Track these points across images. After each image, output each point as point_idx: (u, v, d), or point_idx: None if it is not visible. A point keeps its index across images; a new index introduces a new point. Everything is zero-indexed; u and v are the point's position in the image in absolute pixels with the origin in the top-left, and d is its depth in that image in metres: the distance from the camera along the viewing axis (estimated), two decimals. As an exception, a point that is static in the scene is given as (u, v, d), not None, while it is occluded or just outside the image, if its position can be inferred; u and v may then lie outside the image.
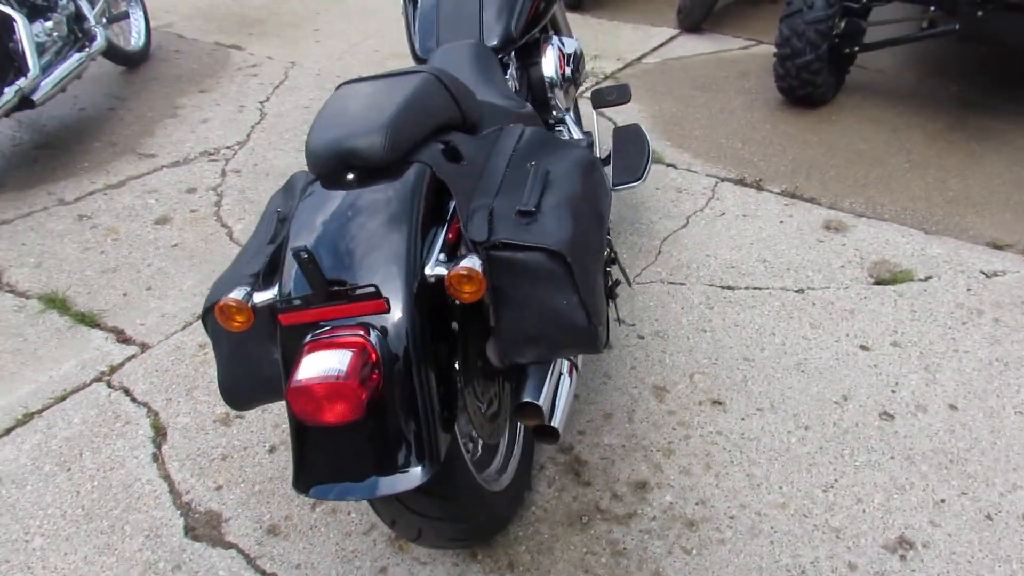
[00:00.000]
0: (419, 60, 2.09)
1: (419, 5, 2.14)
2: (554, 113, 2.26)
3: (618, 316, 2.01)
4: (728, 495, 1.80)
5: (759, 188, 3.01)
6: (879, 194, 2.93)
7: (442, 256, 1.30)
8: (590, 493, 1.83)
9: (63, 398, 2.17)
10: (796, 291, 2.44)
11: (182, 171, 3.32)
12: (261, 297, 1.26)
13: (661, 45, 4.46)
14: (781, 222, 2.80)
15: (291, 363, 1.16)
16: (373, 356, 1.18)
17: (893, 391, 2.06)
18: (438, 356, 1.28)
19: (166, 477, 1.92)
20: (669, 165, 3.19)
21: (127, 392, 2.19)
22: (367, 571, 1.67)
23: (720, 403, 2.05)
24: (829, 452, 1.90)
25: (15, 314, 2.53)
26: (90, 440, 2.04)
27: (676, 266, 2.58)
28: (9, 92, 3.07)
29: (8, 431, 2.08)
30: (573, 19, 4.74)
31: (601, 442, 1.95)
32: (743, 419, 2.00)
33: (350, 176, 1.33)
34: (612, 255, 1.59)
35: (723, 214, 2.85)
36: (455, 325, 1.39)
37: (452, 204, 1.39)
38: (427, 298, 1.25)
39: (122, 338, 2.40)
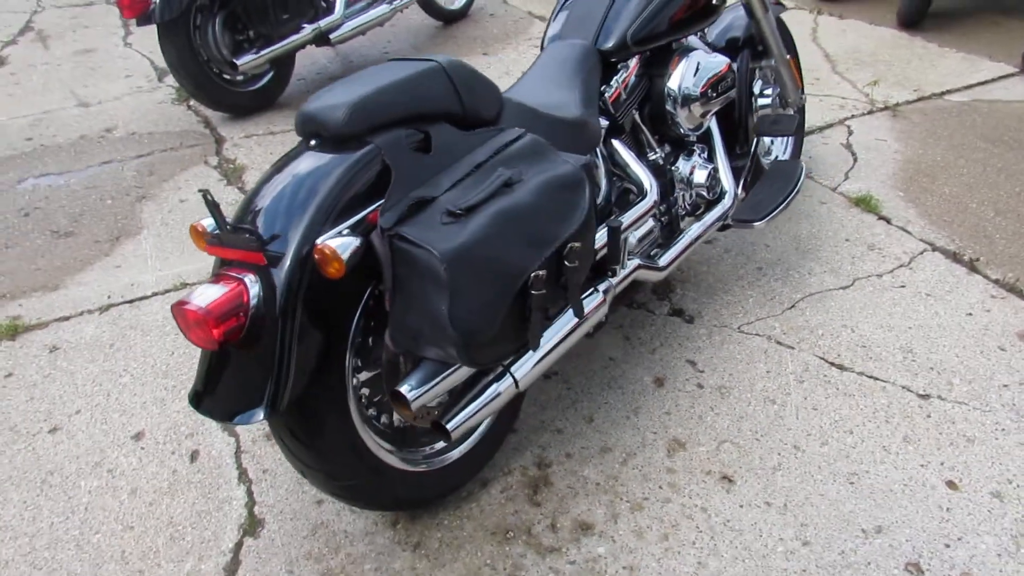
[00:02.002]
0: (545, 53, 2.12)
1: None
2: (676, 130, 2.12)
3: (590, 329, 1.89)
4: (663, 575, 1.65)
5: (972, 269, 2.49)
6: None
7: (346, 232, 1.38)
8: (532, 514, 1.79)
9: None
10: (919, 396, 2.03)
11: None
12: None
13: (983, 83, 3.78)
14: (969, 314, 2.30)
15: None
16: (244, 299, 1.33)
17: (947, 545, 1.66)
18: (320, 318, 1.39)
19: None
20: (881, 218, 2.77)
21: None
22: (308, 500, 1.85)
23: (730, 481, 1.84)
24: (810, 579, 1.62)
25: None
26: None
27: (798, 327, 2.28)
28: (309, 28, 3.68)
29: (174, 293, 2.61)
30: (898, 38, 4.24)
31: (579, 472, 1.88)
32: (741, 507, 1.77)
33: (312, 142, 1.48)
34: (564, 280, 1.51)
35: (903, 286, 2.43)
36: (371, 301, 1.48)
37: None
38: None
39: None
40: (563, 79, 1.90)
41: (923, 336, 2.23)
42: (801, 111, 2.95)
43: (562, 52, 1.97)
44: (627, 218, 1.88)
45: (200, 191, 1.35)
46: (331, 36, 3.78)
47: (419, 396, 1.47)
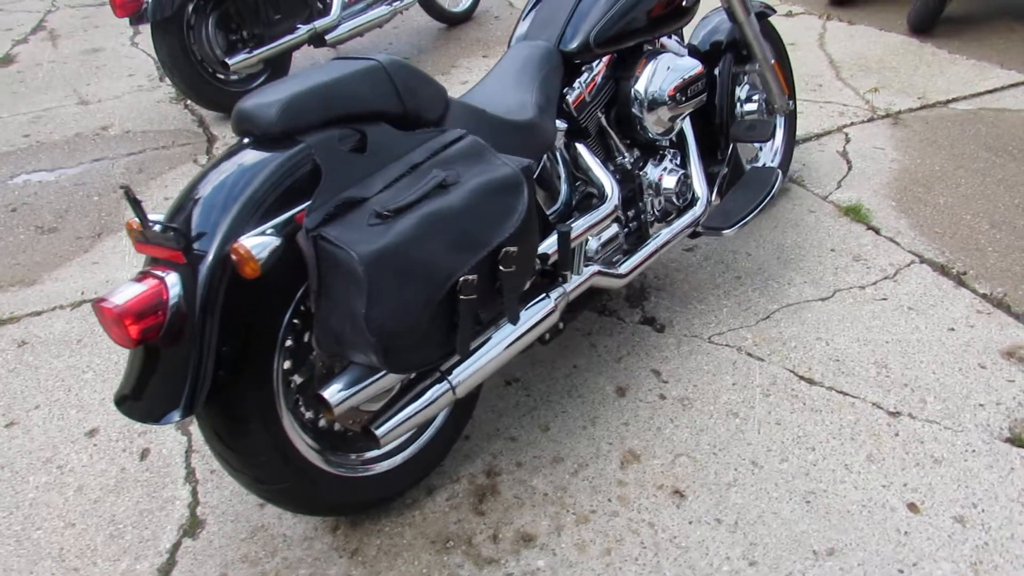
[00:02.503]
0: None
1: None
2: (644, 134, 2.07)
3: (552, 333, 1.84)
4: (601, 590, 1.59)
5: (959, 283, 2.40)
6: (1121, 336, 2.15)
7: (270, 231, 1.35)
8: (475, 523, 1.75)
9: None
10: (889, 413, 1.95)
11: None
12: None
13: (992, 91, 3.67)
14: (951, 329, 2.22)
15: None
16: (163, 297, 1.31)
17: (901, 571, 1.59)
18: (244, 318, 1.36)
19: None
20: (870, 228, 2.69)
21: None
22: (252, 503, 1.83)
23: (682, 496, 1.78)
24: (752, 601, 1.55)
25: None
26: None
27: (770, 339, 2.22)
28: (303, 29, 3.68)
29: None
30: (907, 44, 4.15)
31: (528, 482, 1.84)
32: (690, 523, 1.71)
33: (245, 140, 1.45)
34: (498, 286, 1.46)
35: (884, 299, 2.35)
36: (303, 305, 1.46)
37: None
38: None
39: None
40: (521, 81, 1.86)
41: (900, 351, 2.15)
42: (792, 117, 2.89)
43: (523, 53, 1.93)
44: (583, 223, 1.83)
45: (122, 187, 1.34)
46: (327, 37, 3.78)
47: (343, 400, 1.44)
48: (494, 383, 2.12)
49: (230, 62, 3.43)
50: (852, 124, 3.43)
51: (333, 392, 1.43)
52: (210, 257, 1.32)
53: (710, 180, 2.29)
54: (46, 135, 3.66)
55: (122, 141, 3.58)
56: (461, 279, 1.37)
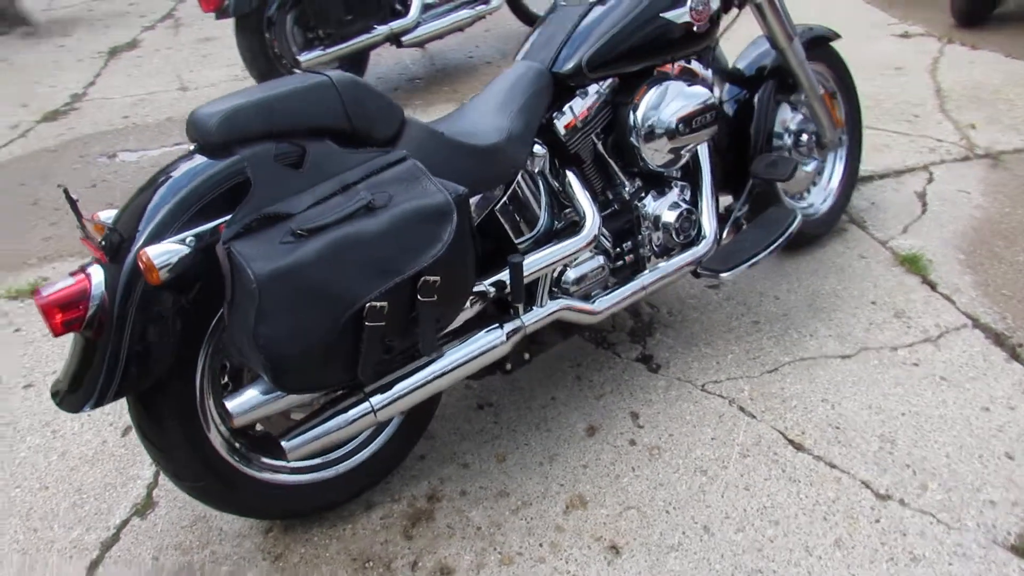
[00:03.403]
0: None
1: (543, 16, 2.06)
2: (643, 165, 1.96)
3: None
4: (502, 639, 1.53)
5: (1012, 356, 2.13)
6: None
7: (190, 240, 1.38)
8: (400, 548, 1.71)
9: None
10: (878, 495, 1.76)
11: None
12: None
13: (1122, 137, 3.23)
14: (985, 409, 1.97)
15: None
16: (87, 291, 1.37)
17: (830, 677, 1.43)
18: (164, 320, 1.40)
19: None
20: (926, 282, 2.44)
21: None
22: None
23: (617, 552, 1.67)
24: None
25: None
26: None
27: (769, 394, 2.05)
28: (381, 30, 3.76)
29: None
30: (984, 57, 3.73)
31: (466, 512, 1.79)
32: (616, 582, 1.62)
33: (191, 146, 1.50)
34: (415, 314, 1.41)
35: (916, 364, 2.12)
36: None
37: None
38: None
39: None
40: (503, 103, 1.80)
41: (914, 426, 1.93)
42: (853, 153, 2.66)
43: (514, 74, 1.87)
44: (546, 255, 1.76)
45: (60, 186, 1.41)
46: (403, 39, 3.84)
47: (245, 412, 1.45)
48: (466, 405, 2.09)
49: (301, 59, 3.55)
50: (942, 162, 3.12)
51: (238, 402, 1.45)
52: (128, 259, 1.36)
53: (725, 217, 2.15)
54: (142, 117, 3.93)
55: (205, 127, 3.80)
56: (368, 305, 1.34)
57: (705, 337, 2.27)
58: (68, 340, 1.47)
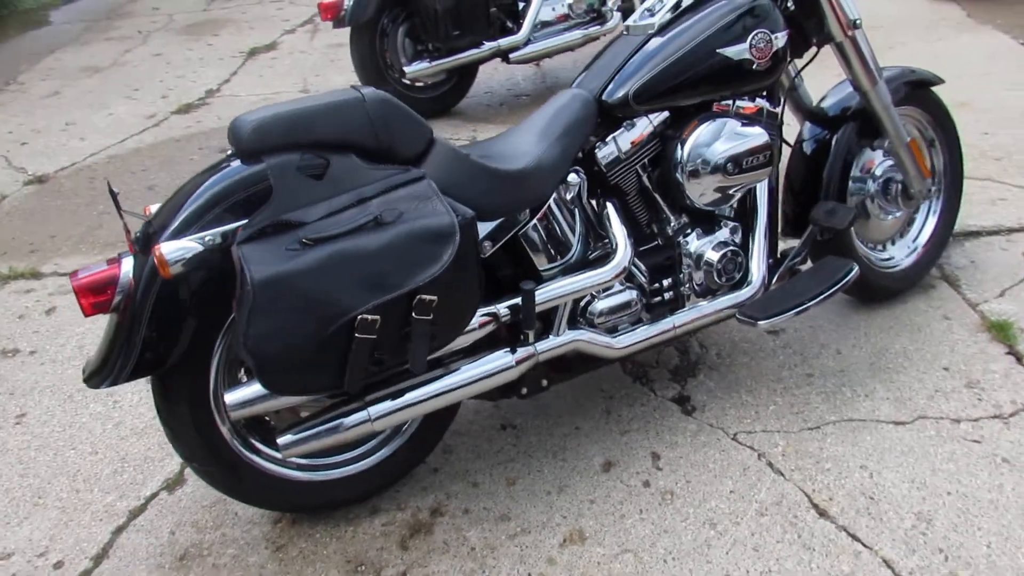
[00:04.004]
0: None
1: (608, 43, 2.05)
2: (688, 203, 1.91)
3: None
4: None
5: (1092, 446, 1.91)
6: None
7: (209, 239, 1.48)
8: (394, 556, 1.74)
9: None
10: (898, 578, 1.63)
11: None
12: None
13: None
14: (1046, 501, 1.78)
15: None
16: (116, 278, 1.49)
17: None
18: (181, 311, 1.51)
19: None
20: (1012, 352, 2.22)
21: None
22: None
23: (604, 595, 1.63)
24: None
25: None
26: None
27: (806, 453, 1.92)
28: (490, 46, 3.83)
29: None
30: None
31: (464, 531, 1.78)
32: (595, 626, 1.58)
33: (229, 151, 1.60)
34: (408, 331, 1.43)
35: (977, 441, 1.93)
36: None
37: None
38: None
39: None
40: (544, 129, 1.81)
41: (959, 508, 1.77)
42: (949, 207, 2.47)
43: (561, 101, 1.87)
44: (565, 285, 1.75)
45: (107, 180, 1.55)
46: (511, 56, 3.90)
47: (240, 405, 1.52)
48: (489, 424, 2.10)
49: (407, 70, 3.68)
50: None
51: (235, 395, 1.53)
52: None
53: (778, 263, 2.05)
54: (262, 115, 4.19)
55: (315, 129, 4.01)
56: (359, 317, 1.39)
57: (750, 384, 2.17)
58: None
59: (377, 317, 1.40)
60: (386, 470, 1.84)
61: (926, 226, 2.48)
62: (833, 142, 2.18)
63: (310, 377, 1.42)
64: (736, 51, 1.84)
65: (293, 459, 1.75)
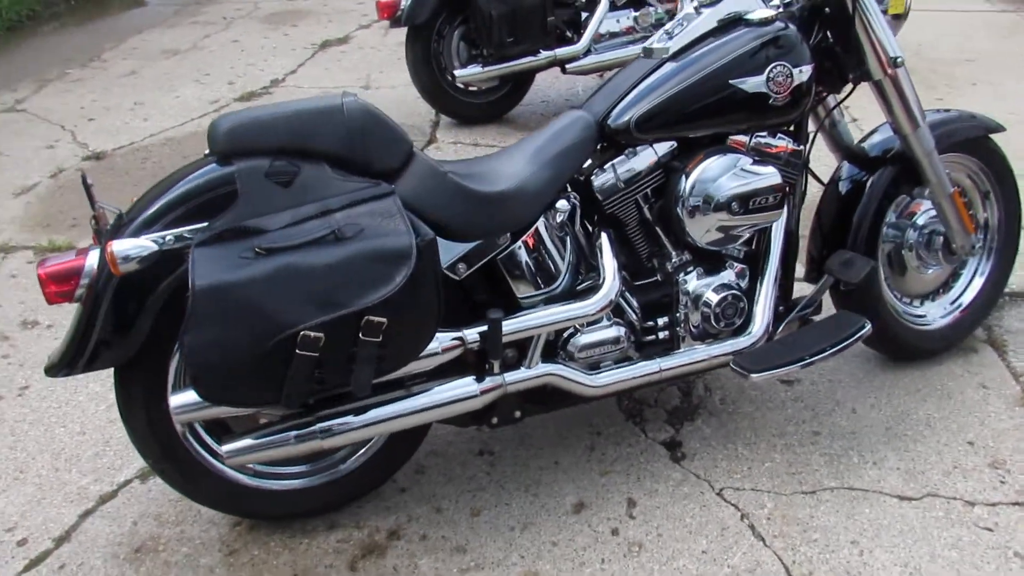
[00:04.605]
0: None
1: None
2: (690, 240, 1.79)
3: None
4: None
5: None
6: None
7: (169, 238, 1.46)
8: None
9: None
10: (867, 673, 1.48)
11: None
12: None
13: None
14: (1056, 608, 1.60)
15: None
16: (81, 266, 1.50)
17: None
18: (138, 307, 1.50)
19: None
20: (1051, 434, 2.02)
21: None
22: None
23: (544, 647, 1.55)
24: None
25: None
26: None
27: (793, 519, 1.78)
28: (545, 54, 3.75)
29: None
30: None
31: (417, 558, 1.72)
32: None
33: (207, 152, 1.59)
34: (354, 352, 1.37)
35: (989, 529, 1.76)
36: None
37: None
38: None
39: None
40: (538, 150, 1.73)
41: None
42: (1002, 263, 2.26)
43: (563, 122, 1.79)
44: (542, 316, 1.66)
45: (80, 171, 1.55)
46: (568, 66, 3.82)
47: (183, 409, 1.51)
48: (467, 448, 2.03)
49: (457, 74, 3.65)
50: None
51: (179, 399, 1.51)
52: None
53: (786, 312, 1.91)
54: (318, 108, 4.23)
55: (366, 126, 4.02)
56: (302, 334, 1.35)
57: (749, 436, 2.03)
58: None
59: (321, 335, 1.35)
60: (347, 486, 1.80)
61: (972, 285, 2.28)
62: (868, 184, 2.03)
63: (246, 390, 1.39)
64: (752, 83, 1.72)
65: (249, 465, 1.73)
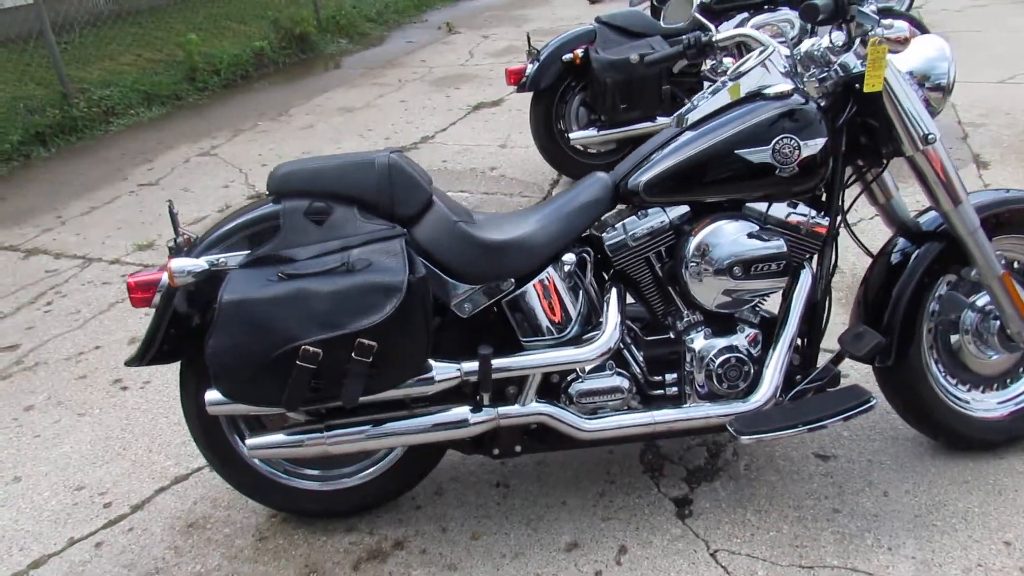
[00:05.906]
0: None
1: None
2: (696, 300, 1.86)
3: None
4: None
5: None
6: None
7: (222, 260, 1.77)
8: (343, 574, 1.90)
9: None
10: None
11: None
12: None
13: None
14: None
15: None
16: (159, 279, 1.85)
17: None
18: (184, 311, 1.82)
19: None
20: (1110, 547, 1.85)
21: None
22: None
23: (497, 666, 1.65)
24: None
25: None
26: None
27: (780, 589, 1.77)
28: (661, 121, 3.87)
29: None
30: None
31: (411, 569, 1.89)
32: None
33: (268, 192, 1.91)
34: (346, 368, 1.56)
35: (998, 636, 1.65)
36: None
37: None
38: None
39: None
40: (558, 207, 1.89)
41: None
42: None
43: (587, 181, 1.94)
44: (533, 359, 1.81)
45: (168, 202, 1.92)
46: (684, 131, 3.90)
47: (216, 404, 1.79)
48: (487, 479, 2.17)
49: (571, 136, 3.87)
50: None
51: (211, 396, 1.79)
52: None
53: (801, 380, 1.91)
54: (455, 164, 4.61)
55: (491, 181, 4.33)
56: (302, 348, 1.59)
57: (762, 504, 2.02)
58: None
59: (319, 351, 1.59)
60: (363, 495, 2.01)
61: (1029, 377, 2.12)
62: (912, 258, 1.98)
63: (254, 390, 1.64)
64: (756, 154, 1.78)
65: (279, 462, 2.00)
